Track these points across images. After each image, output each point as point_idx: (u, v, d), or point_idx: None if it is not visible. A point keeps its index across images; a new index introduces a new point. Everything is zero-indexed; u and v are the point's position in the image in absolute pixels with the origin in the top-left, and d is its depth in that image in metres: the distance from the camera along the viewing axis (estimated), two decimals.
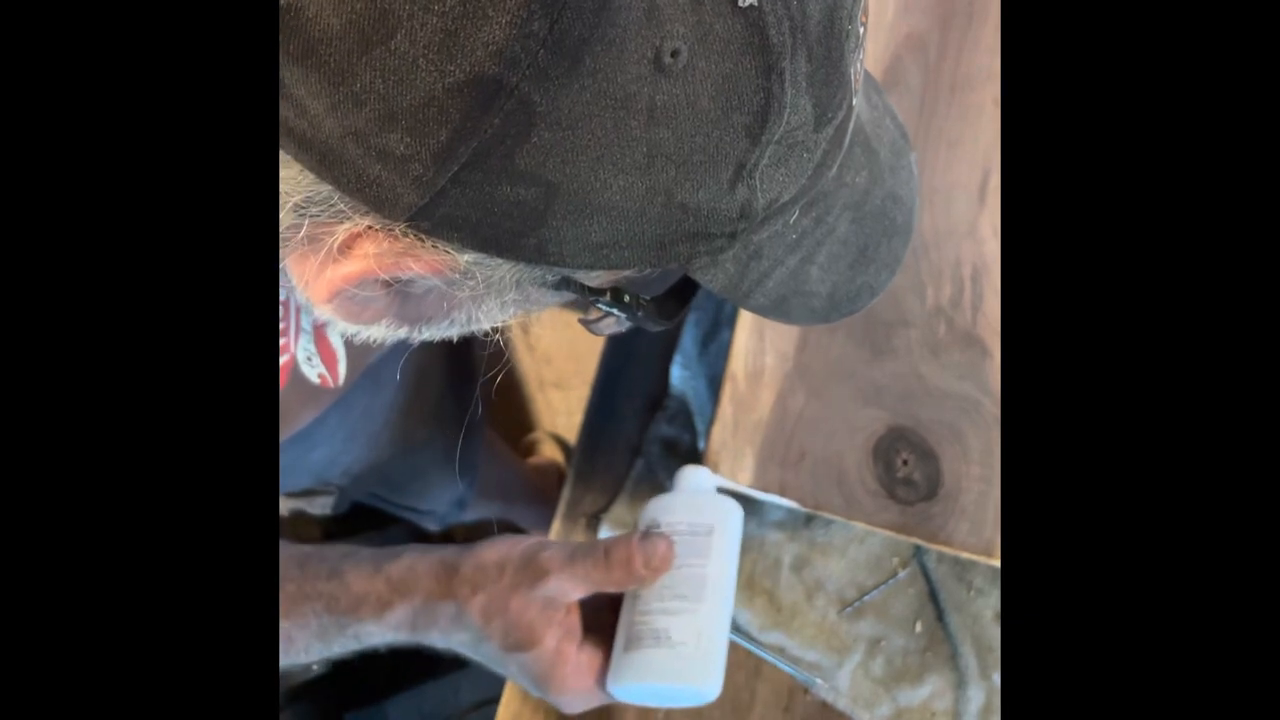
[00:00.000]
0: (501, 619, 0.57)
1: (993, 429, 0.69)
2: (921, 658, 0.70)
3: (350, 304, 0.40)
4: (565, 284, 0.40)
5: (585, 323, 0.47)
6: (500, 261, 0.38)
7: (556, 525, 0.75)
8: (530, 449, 1.41)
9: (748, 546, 0.64)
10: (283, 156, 0.36)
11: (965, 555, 0.67)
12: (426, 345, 0.56)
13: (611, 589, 0.58)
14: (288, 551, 0.63)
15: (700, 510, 0.61)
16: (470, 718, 1.02)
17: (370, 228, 0.36)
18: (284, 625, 0.60)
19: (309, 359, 0.61)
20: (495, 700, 0.70)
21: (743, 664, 0.70)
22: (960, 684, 0.69)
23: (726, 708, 0.69)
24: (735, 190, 0.37)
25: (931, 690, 0.69)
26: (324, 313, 0.41)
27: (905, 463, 0.68)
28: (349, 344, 0.63)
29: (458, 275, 0.38)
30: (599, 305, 0.43)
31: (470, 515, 1.07)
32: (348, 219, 0.37)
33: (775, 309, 0.44)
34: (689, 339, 0.78)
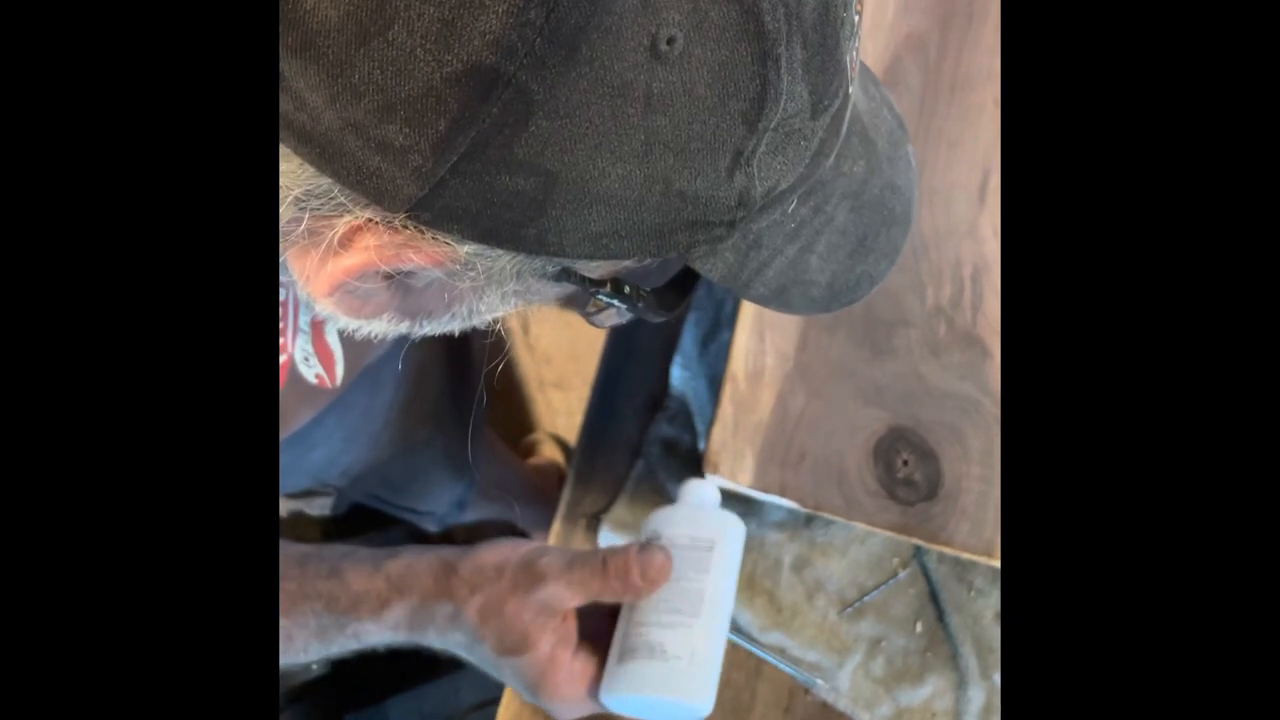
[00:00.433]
0: (497, 621, 0.57)
1: (993, 429, 0.69)
2: (922, 658, 0.70)
3: (351, 298, 0.40)
4: (565, 275, 0.40)
5: (585, 315, 0.47)
6: (500, 252, 0.38)
7: (556, 526, 0.74)
8: (530, 449, 1.41)
9: (748, 546, 0.64)
10: (282, 150, 0.36)
11: (965, 555, 0.66)
12: (426, 345, 0.56)
13: (608, 599, 0.58)
14: (288, 551, 0.62)
15: (702, 525, 0.61)
16: (470, 718, 1.02)
17: (371, 220, 0.36)
18: (284, 624, 0.60)
19: (306, 359, 0.61)
20: (495, 701, 0.70)
21: (743, 664, 0.69)
22: (961, 684, 0.69)
23: (726, 708, 0.68)
24: (733, 178, 0.37)
25: (932, 690, 0.69)
26: (325, 307, 0.41)
27: (905, 463, 0.68)
28: (347, 344, 0.63)
29: (458, 267, 0.38)
30: (599, 297, 0.43)
31: (470, 516, 1.07)
32: (348, 212, 0.36)
33: (775, 298, 0.44)
34: (689, 339, 0.78)
